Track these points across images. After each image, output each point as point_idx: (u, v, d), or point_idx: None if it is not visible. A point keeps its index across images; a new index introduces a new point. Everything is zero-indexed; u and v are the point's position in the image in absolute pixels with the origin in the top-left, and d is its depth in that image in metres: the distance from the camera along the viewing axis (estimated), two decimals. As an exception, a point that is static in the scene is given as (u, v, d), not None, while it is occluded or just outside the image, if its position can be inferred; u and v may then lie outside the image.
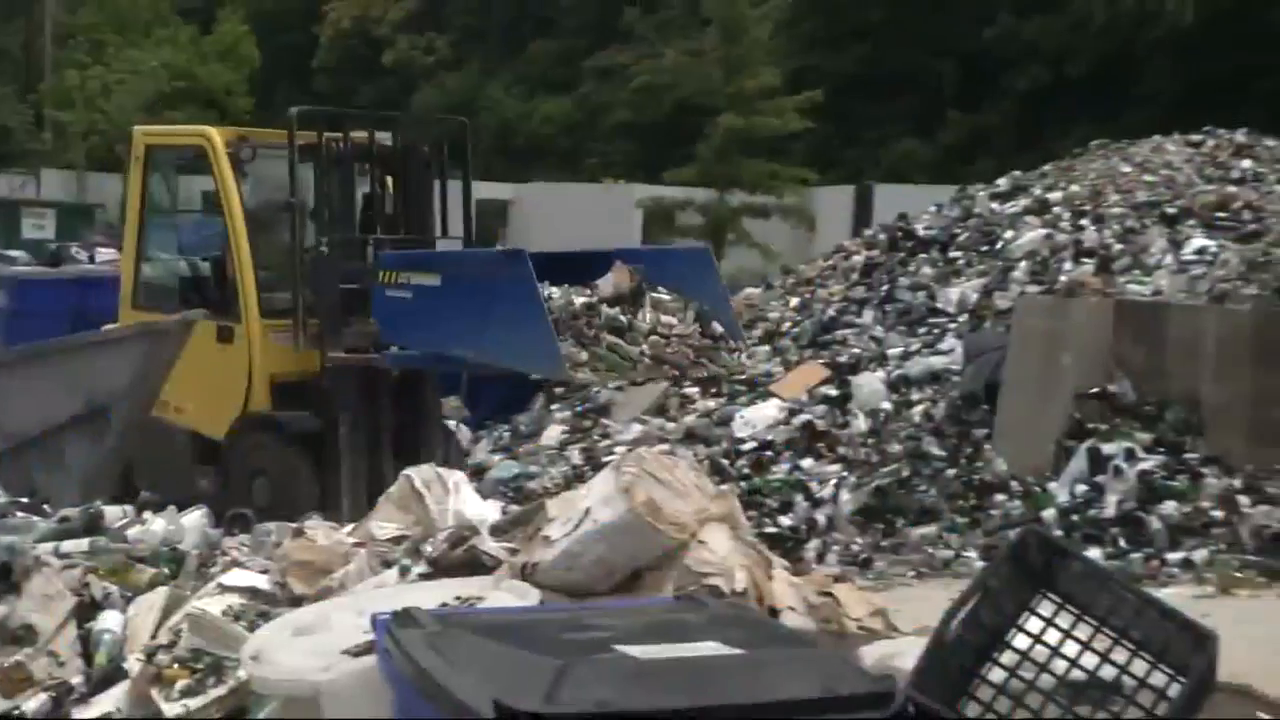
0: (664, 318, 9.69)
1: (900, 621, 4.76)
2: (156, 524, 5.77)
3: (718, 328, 9.93)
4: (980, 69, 37.58)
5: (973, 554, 10.34)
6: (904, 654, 3.42)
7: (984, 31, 36.47)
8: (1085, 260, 14.58)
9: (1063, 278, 14.11)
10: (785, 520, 11.71)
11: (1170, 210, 15.01)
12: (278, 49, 51.04)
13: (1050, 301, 12.25)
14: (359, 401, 10.44)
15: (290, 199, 10.52)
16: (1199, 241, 14.20)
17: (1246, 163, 16.95)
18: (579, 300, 9.44)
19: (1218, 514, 10.24)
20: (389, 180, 11.17)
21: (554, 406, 15.22)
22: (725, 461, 12.83)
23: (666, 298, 9.84)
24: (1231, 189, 15.84)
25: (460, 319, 9.56)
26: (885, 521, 11.44)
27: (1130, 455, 10.93)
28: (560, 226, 29.45)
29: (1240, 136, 17.77)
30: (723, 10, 35.38)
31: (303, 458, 10.65)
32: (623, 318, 9.53)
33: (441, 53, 50.57)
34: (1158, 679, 3.10)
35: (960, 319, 14.28)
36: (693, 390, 14.90)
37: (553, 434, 14.51)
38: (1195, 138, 17.83)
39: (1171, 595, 8.83)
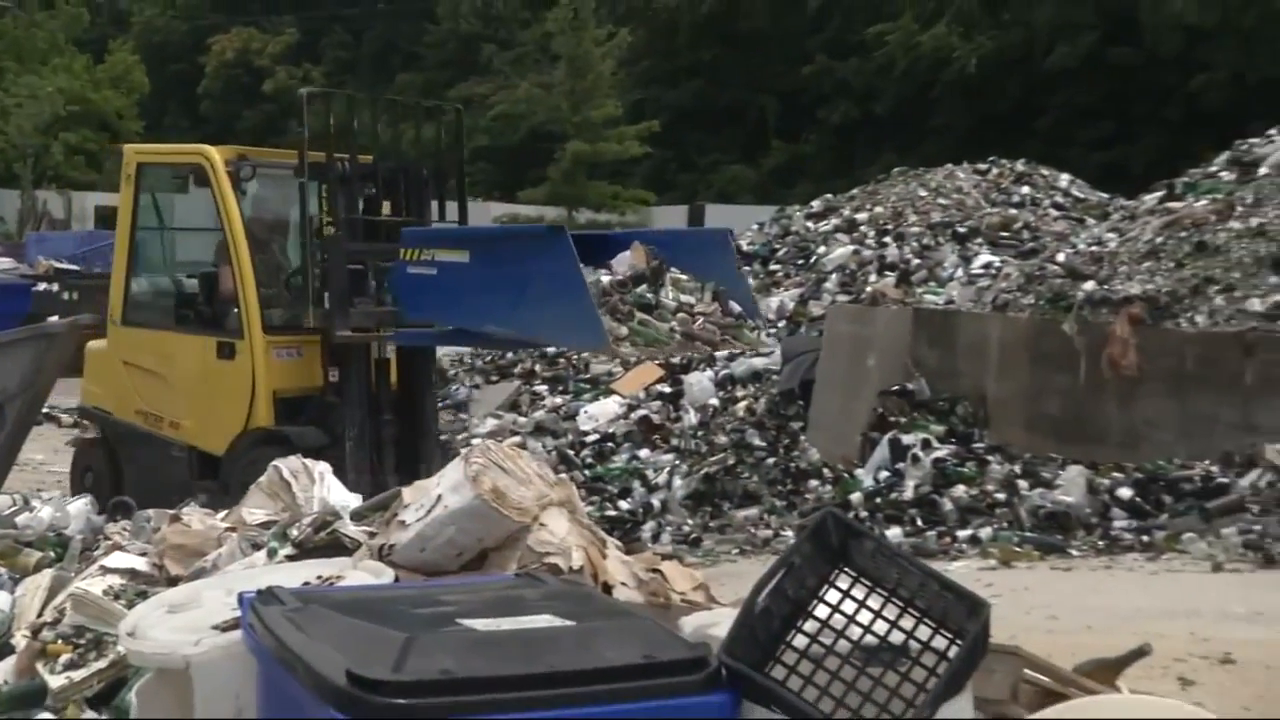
0: (682, 297, 9.14)
1: (723, 594, 4.77)
2: (44, 511, 5.63)
3: (735, 307, 9.36)
4: (799, 104, 37.97)
5: (790, 533, 10.40)
6: (720, 623, 3.41)
7: (802, 71, 36.84)
8: (888, 273, 14.80)
9: (868, 288, 14.31)
10: (624, 504, 11.74)
11: (961, 230, 15.28)
12: (166, 76, 50.21)
13: (857, 309, 12.40)
14: (362, 395, 9.59)
15: (302, 179, 9.59)
16: (985, 257, 14.49)
17: (1025, 188, 17.32)
18: (605, 278, 8.91)
19: (1000, 496, 10.38)
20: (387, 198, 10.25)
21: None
22: (571, 452, 12.83)
23: (684, 278, 9.26)
24: (1013, 211, 16.19)
25: (492, 295, 8.67)
26: (713, 505, 11.51)
27: (926, 445, 11.07)
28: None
29: (1020, 165, 18.12)
30: (571, 48, 35.45)
31: None
32: (649, 295, 8.98)
33: (317, 82, 49.89)
34: (939, 642, 3.12)
35: (779, 325, 14.43)
36: (542, 388, 14.88)
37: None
38: (982, 166, 18.15)
39: (960, 568, 8.99)
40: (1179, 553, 9.17)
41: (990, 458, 10.89)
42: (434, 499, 4.15)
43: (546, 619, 3.08)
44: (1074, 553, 9.49)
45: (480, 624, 2.98)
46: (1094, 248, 12.49)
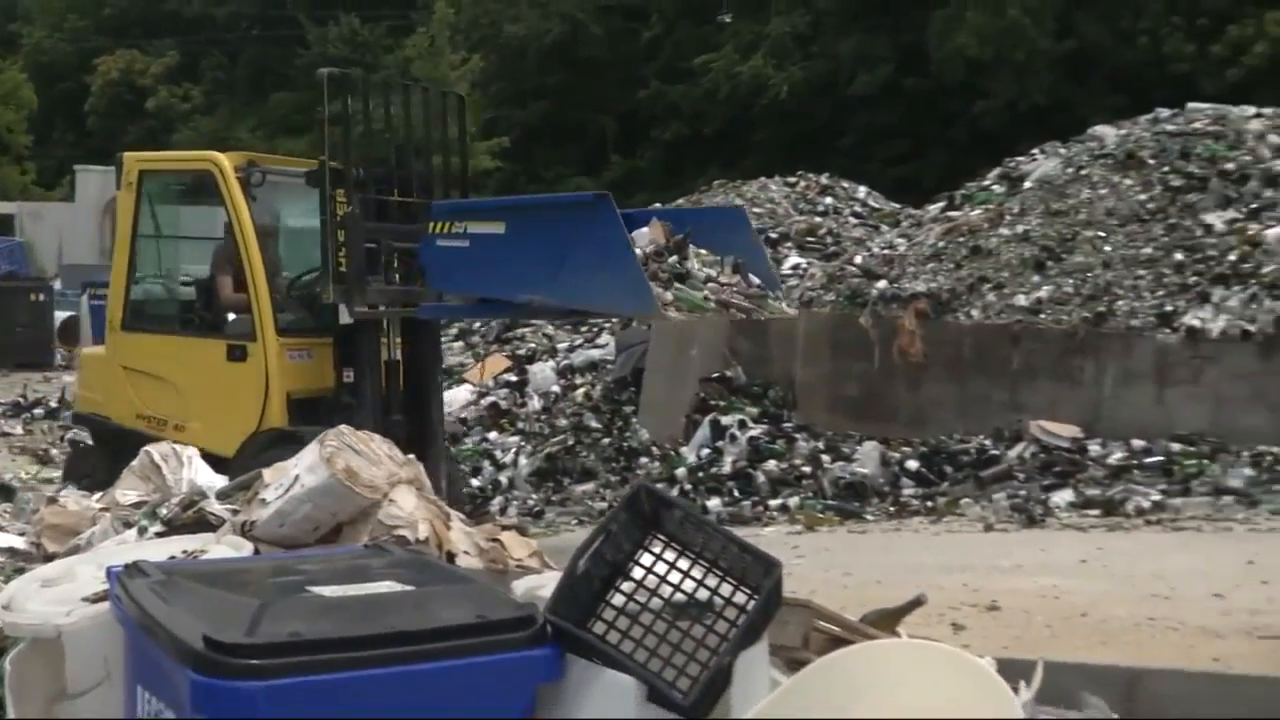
0: (706, 270, 8.43)
1: (561, 561, 4.76)
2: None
3: (754, 279, 8.60)
4: (635, 123, 38.01)
5: (622, 504, 10.43)
6: (547, 586, 3.40)
7: (638, 94, 36.92)
8: (709, 274, 14.85)
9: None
10: (475, 482, 11.66)
11: (773, 235, 15.41)
12: (53, 94, 48.52)
13: (682, 306, 12.40)
14: (375, 396, 8.72)
15: (321, 157, 8.66)
16: (794, 259, 14.64)
17: (829, 199, 17.54)
18: (636, 249, 7.96)
19: (806, 469, 10.55)
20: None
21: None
22: (427, 434, 12.69)
23: (703, 252, 8.53)
24: (817, 219, 16.38)
25: (531, 264, 7.81)
26: (555, 481, 11.51)
27: (742, 425, 11.19)
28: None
29: (824, 179, 18.34)
30: (428, 72, 35.02)
31: None
32: (680, 267, 8.24)
33: (196, 100, 48.67)
34: (740, 598, 3.15)
35: (613, 320, 14.43)
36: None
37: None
38: (791, 179, 18.33)
39: (771, 532, 9.12)
40: (957, 515, 9.40)
41: (797, 435, 11.06)
42: (292, 479, 4.09)
43: (389, 585, 3.05)
44: (869, 517, 9.68)
45: (329, 591, 2.95)
46: (886, 251, 12.72)
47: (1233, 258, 10.49)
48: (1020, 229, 11.80)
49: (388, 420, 8.66)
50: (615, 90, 38.15)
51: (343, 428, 4.41)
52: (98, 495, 4.79)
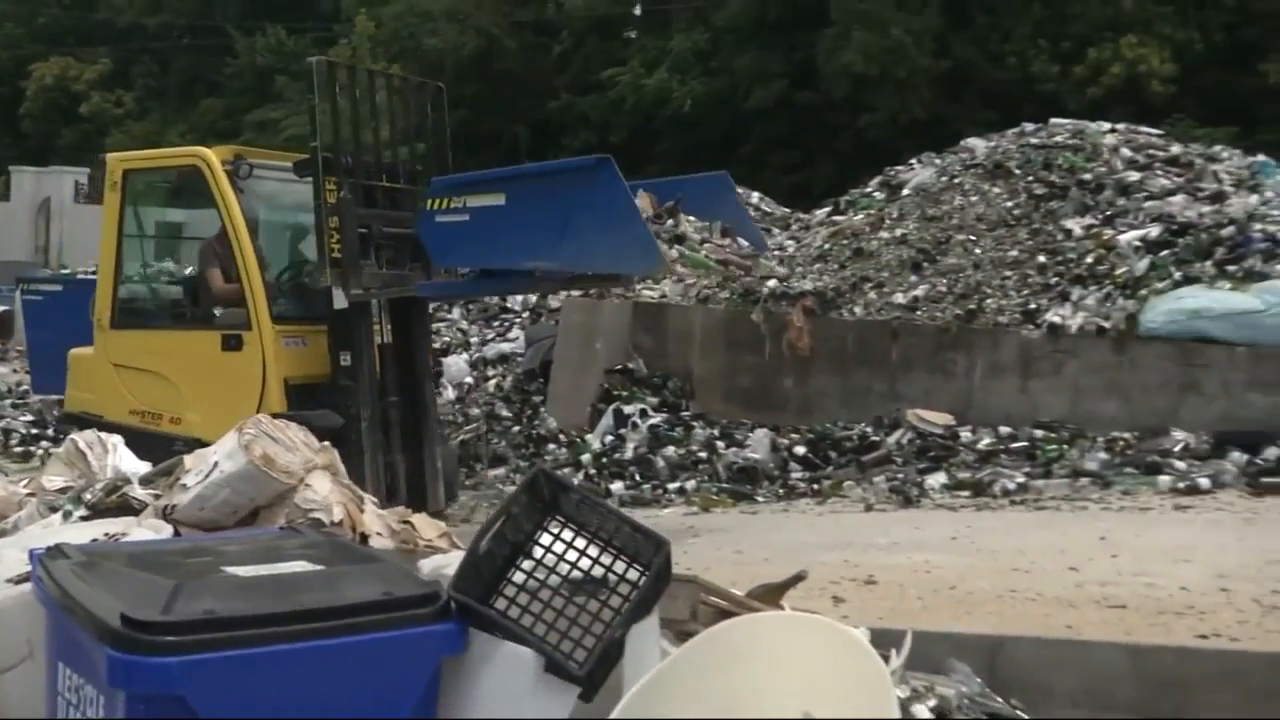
0: (697, 235, 8.28)
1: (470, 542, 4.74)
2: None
3: (743, 242, 8.51)
4: (546, 132, 37.86)
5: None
6: (452, 565, 3.38)
7: (549, 105, 36.81)
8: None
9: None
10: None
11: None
12: (-11, 99, 47.32)
13: (587, 302, 12.45)
14: (372, 378, 8.33)
15: (313, 144, 8.24)
16: (692, 260, 14.66)
17: (726, 204, 17.57)
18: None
19: (703, 454, 10.57)
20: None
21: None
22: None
23: (691, 218, 8.33)
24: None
25: (534, 232, 7.45)
26: (469, 466, 11.42)
27: (644, 414, 11.19)
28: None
29: (723, 186, 18.36)
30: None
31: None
32: (676, 230, 8.01)
33: (129, 106, 47.62)
34: (632, 575, 3.17)
35: (523, 315, 14.38)
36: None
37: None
38: (692, 186, 18.31)
39: (670, 513, 9.15)
40: (840, 497, 9.47)
41: (695, 423, 11.08)
42: (211, 465, 4.02)
43: (301, 565, 3.02)
44: (759, 499, 9.73)
45: (243, 570, 2.91)
46: (777, 252, 12.82)
47: (1090, 260, 10.70)
48: (899, 233, 11.94)
49: (384, 401, 8.44)
50: (528, 101, 37.98)
51: (260, 416, 4.34)
52: (24, 480, 4.67)
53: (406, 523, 4.47)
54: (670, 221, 7.96)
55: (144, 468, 4.59)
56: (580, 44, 35.34)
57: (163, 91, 48.45)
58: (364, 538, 4.19)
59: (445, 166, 9.00)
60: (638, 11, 35.29)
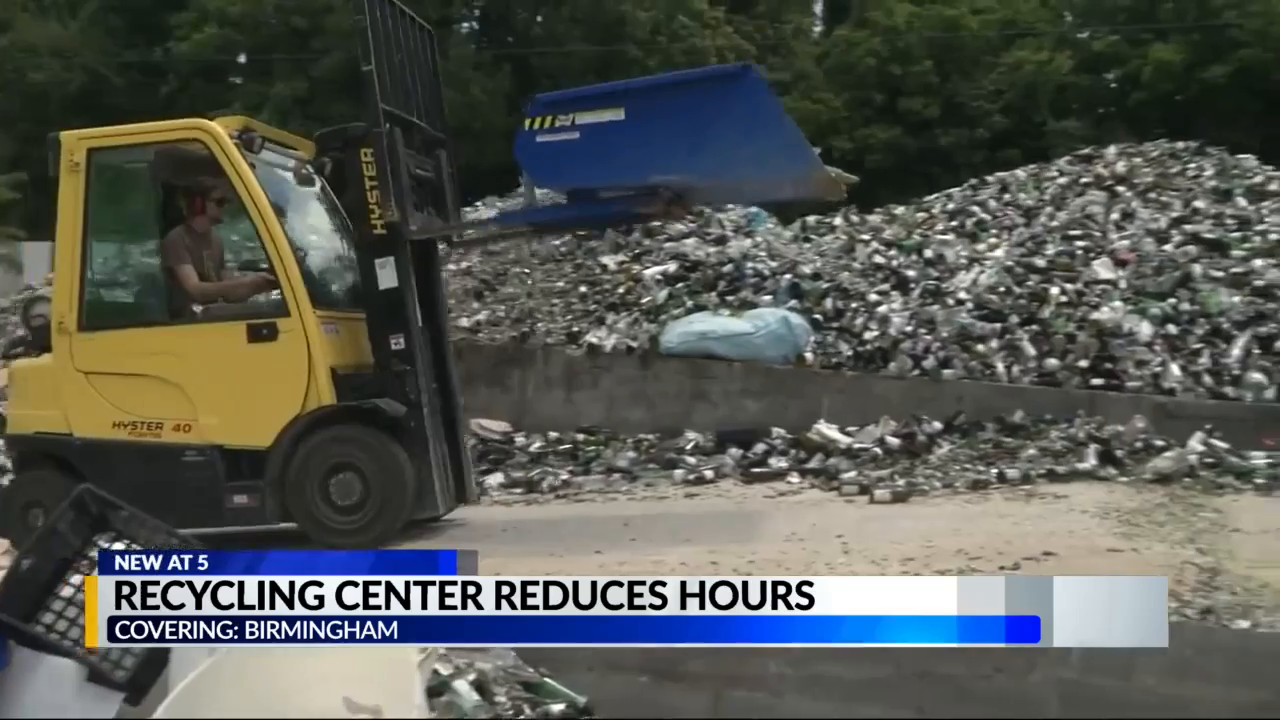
0: None
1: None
2: None
3: None
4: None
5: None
6: None
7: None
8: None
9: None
10: None
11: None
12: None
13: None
14: (425, 362, 7.00)
15: (368, 66, 6.71)
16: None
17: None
18: None
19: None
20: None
21: None
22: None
23: None
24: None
25: (663, 145, 6.35)
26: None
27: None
28: None
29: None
30: None
31: (397, 444, 6.82)
32: None
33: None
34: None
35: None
36: None
37: None
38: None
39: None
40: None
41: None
42: None
43: None
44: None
45: None
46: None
47: (621, 290, 11.20)
48: (465, 265, 12.08)
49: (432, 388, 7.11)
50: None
51: None
52: None
53: None
54: None
55: None
56: (185, 87, 33.20)
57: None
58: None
59: (440, 108, 7.83)
60: (242, 59, 33.66)
